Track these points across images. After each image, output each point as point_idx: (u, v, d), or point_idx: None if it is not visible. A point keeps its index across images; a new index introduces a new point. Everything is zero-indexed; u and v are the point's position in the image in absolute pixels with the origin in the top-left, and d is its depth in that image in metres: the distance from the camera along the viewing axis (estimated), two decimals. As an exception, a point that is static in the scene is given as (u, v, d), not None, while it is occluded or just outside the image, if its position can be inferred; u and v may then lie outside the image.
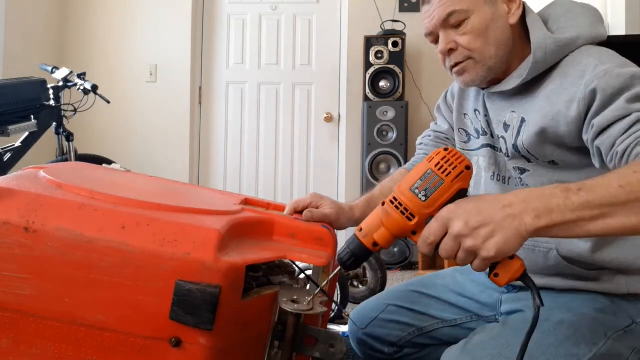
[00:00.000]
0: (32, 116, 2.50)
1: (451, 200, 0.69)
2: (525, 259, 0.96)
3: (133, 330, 0.65)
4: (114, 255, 0.65)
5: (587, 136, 0.83)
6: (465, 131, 1.08)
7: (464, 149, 1.08)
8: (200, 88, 3.72)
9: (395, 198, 0.70)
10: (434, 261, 3.04)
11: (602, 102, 0.80)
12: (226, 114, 3.71)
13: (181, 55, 3.62)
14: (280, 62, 3.69)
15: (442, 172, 0.68)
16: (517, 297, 0.99)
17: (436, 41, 0.96)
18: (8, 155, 2.50)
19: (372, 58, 3.22)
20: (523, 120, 0.91)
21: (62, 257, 0.66)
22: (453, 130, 1.13)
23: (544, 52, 0.88)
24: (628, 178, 0.65)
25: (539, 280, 0.94)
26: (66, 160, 2.65)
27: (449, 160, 0.69)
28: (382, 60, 3.21)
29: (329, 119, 3.61)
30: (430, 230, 0.67)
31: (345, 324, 1.66)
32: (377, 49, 3.21)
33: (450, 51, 0.93)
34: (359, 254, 0.72)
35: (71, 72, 2.68)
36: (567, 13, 0.93)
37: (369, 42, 3.24)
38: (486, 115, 1.01)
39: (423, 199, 0.68)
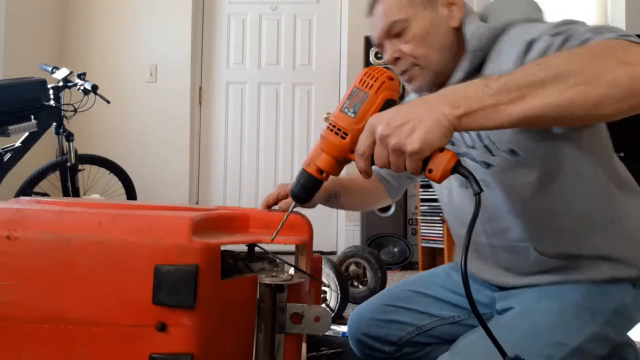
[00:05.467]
0: (32, 116, 2.50)
1: (381, 111, 0.70)
2: (508, 260, 0.97)
3: (118, 320, 0.67)
4: (92, 250, 0.68)
5: None
6: None
7: None
8: (200, 88, 3.72)
9: (330, 122, 0.73)
10: (433, 262, 3.04)
11: (533, 46, 0.79)
12: (226, 114, 3.71)
13: (181, 55, 3.62)
14: (280, 62, 3.70)
15: (366, 86, 0.71)
16: (509, 294, 1.00)
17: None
18: (8, 155, 2.50)
19: (372, 58, 3.22)
20: None
21: (44, 258, 0.68)
22: None
23: (478, 40, 0.88)
24: (547, 59, 0.65)
25: (523, 280, 0.96)
26: (66, 160, 2.65)
27: (370, 74, 0.72)
28: (382, 60, 3.21)
29: (328, 119, 3.61)
30: (360, 141, 0.69)
31: (345, 324, 1.66)
32: (377, 49, 3.21)
33: (396, 60, 0.95)
34: (307, 184, 0.75)
35: (71, 72, 2.68)
36: (504, 4, 0.94)
37: (369, 42, 3.24)
38: None
39: (352, 115, 0.71)
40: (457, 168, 0.67)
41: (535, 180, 0.87)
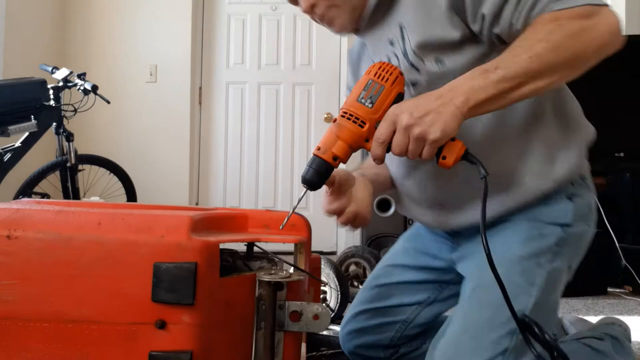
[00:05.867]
0: (32, 116, 2.50)
1: (393, 103, 0.78)
2: (435, 194, 0.98)
3: (118, 318, 0.68)
4: (92, 250, 0.68)
5: (477, 26, 0.84)
6: None
7: None
8: (200, 88, 3.72)
9: (345, 111, 0.77)
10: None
11: None
12: (226, 114, 3.71)
13: (181, 55, 3.62)
14: (280, 62, 3.70)
15: (381, 79, 0.77)
16: (461, 255, 0.99)
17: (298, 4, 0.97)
18: (8, 155, 2.50)
19: (372, 58, 3.21)
20: (402, 27, 0.91)
21: (44, 258, 0.68)
22: None
23: None
24: (534, 49, 0.74)
25: (461, 218, 0.94)
26: (66, 160, 2.65)
27: (384, 68, 0.78)
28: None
29: (329, 119, 3.61)
30: (381, 130, 0.75)
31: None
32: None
33: (313, 7, 0.95)
34: (322, 170, 0.78)
35: (71, 72, 2.68)
36: None
37: (369, 42, 3.24)
38: (374, 53, 1.00)
39: (370, 105, 0.77)
40: (467, 155, 0.77)
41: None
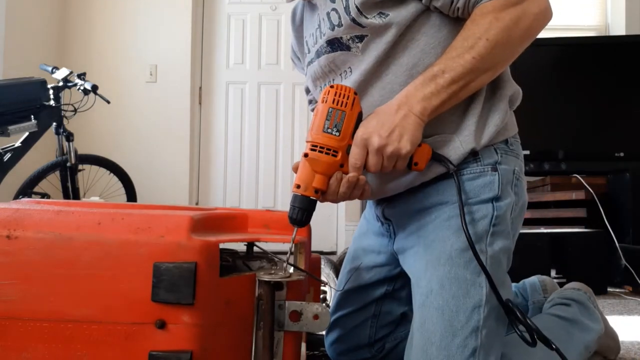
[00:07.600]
0: (32, 116, 2.50)
1: (356, 124, 0.80)
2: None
3: (118, 318, 0.68)
4: (92, 249, 0.68)
5: None
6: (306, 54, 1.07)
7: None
8: (200, 88, 3.72)
9: (314, 144, 0.79)
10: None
11: None
12: (226, 114, 3.71)
13: (181, 55, 3.63)
14: (280, 62, 3.70)
15: (341, 105, 0.79)
16: (399, 247, 0.98)
17: None
18: (8, 155, 2.51)
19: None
20: None
21: (44, 257, 0.69)
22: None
23: None
24: (476, 48, 0.79)
25: (390, 185, 0.93)
26: (66, 160, 2.65)
27: (340, 93, 0.80)
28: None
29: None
30: (355, 156, 0.78)
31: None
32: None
33: None
34: (307, 206, 0.79)
35: (71, 72, 2.68)
36: None
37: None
38: (313, 17, 1.00)
39: (337, 134, 0.79)
40: (434, 155, 0.83)
41: (395, 37, 0.87)
